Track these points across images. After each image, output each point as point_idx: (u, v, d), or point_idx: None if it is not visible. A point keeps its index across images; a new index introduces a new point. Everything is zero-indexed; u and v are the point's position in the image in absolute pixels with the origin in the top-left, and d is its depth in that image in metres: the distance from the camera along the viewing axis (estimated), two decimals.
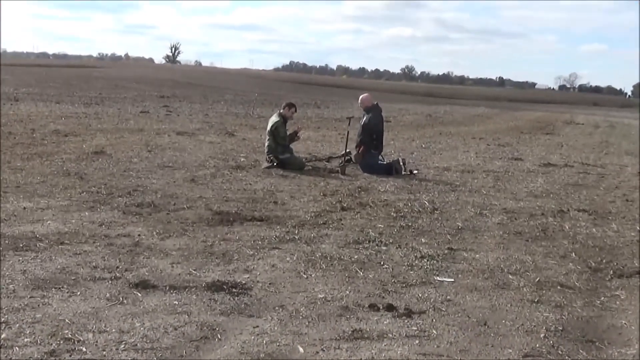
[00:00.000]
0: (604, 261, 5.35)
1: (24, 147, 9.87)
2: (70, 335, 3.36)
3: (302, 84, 70.24)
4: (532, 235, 6.23)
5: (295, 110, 10.18)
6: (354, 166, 10.23)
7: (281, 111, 9.98)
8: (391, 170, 9.76)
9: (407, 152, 13.01)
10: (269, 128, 9.89)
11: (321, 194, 7.81)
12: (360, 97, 10.44)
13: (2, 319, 3.51)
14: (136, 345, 3.30)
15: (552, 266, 5.18)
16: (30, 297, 3.85)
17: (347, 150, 10.36)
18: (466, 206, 7.52)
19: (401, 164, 10.02)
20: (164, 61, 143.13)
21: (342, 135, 15.52)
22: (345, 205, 7.15)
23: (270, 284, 4.36)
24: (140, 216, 6.08)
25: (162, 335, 3.43)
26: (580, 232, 6.46)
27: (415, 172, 9.99)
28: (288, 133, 10.06)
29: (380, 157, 10.24)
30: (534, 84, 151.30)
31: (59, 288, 4.04)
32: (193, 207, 6.59)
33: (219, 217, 6.17)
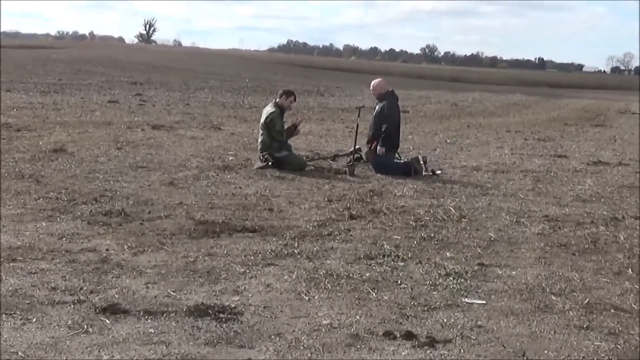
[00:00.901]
0: None
1: None
2: None
3: (302, 67, 69.95)
4: (579, 247, 6.24)
5: (295, 99, 10.17)
6: (365, 166, 10.23)
7: (277, 100, 9.97)
8: (409, 170, 9.78)
9: (428, 149, 12.91)
10: (262, 120, 9.89)
11: (325, 199, 7.82)
12: (373, 82, 10.47)
13: None
14: None
15: (604, 285, 5.19)
16: None
17: (357, 146, 10.38)
18: (500, 213, 7.54)
19: (421, 162, 10.03)
20: (136, 41, 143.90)
21: (350, 129, 15.46)
22: (354, 212, 7.15)
23: (264, 307, 4.37)
24: (109, 227, 6.10)
25: None
26: (638, 243, 6.46)
27: (438, 172, 10.02)
28: (286, 126, 10.04)
29: (396, 155, 10.29)
30: (581, 66, 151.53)
31: (11, 314, 4.04)
32: (172, 215, 6.63)
33: (203, 227, 6.20)
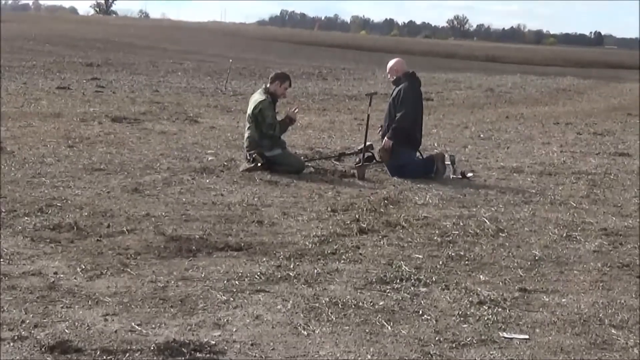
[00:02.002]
0: None
1: None
2: None
3: (299, 44, 69.76)
4: None
5: (290, 85, 10.23)
6: (378, 167, 10.31)
7: (268, 86, 10.03)
8: (431, 167, 9.93)
9: (457, 146, 12.98)
10: (250, 111, 9.94)
11: (329, 209, 7.85)
12: (389, 63, 10.52)
13: None
14: None
15: None
16: None
17: (368, 143, 10.41)
18: (546, 226, 7.58)
19: (448, 162, 10.13)
20: (92, 11, 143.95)
21: (359, 122, 15.55)
22: (364, 225, 7.18)
23: (252, 345, 4.37)
24: (58, 244, 6.09)
25: None
26: None
27: (469, 175, 10.12)
28: (279, 118, 10.12)
29: (417, 154, 10.33)
30: None
31: None
32: (137, 230, 6.67)
33: (176, 245, 6.24)
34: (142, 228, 6.72)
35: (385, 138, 10.05)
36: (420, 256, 6.29)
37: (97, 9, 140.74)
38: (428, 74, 32.27)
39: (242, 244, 6.35)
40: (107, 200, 7.71)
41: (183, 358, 4.11)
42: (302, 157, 10.57)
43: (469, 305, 5.17)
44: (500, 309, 5.12)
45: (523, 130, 15.94)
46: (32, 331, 4.37)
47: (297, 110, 10.69)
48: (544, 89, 31.02)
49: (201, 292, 5.16)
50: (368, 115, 10.63)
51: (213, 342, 4.33)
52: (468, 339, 4.58)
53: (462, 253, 6.41)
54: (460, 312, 5.04)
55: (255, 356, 4.22)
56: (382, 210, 7.90)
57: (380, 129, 10.52)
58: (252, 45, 58.63)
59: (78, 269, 5.51)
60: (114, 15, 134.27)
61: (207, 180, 8.93)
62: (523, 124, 17.37)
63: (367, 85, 26.79)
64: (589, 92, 30.86)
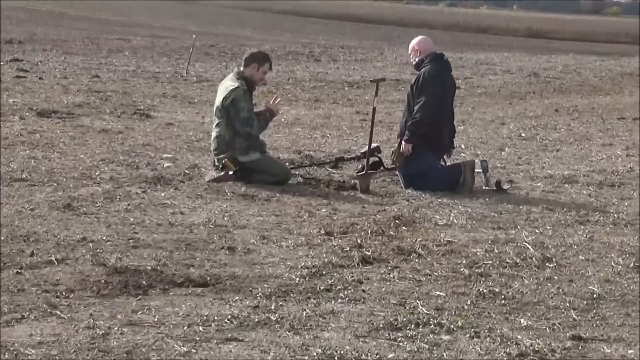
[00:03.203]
0: None
1: None
2: None
3: (284, 14, 69.52)
4: None
5: (270, 68, 10.34)
6: (388, 176, 10.43)
7: (243, 70, 10.13)
8: (458, 180, 9.97)
9: (491, 148, 13.11)
10: (219, 103, 10.02)
11: (322, 231, 7.90)
12: (412, 42, 10.61)
13: None
14: None
15: None
16: None
17: (374, 144, 10.49)
18: (608, 253, 7.58)
19: (479, 170, 10.19)
20: None
21: (363, 116, 15.76)
22: (369, 253, 7.21)
23: None
24: None
25: None
26: None
27: (506, 186, 10.17)
28: (256, 110, 10.19)
29: (442, 160, 10.45)
30: None
31: None
32: (70, 259, 6.63)
33: (121, 278, 6.23)
34: (76, 257, 6.66)
35: (403, 140, 10.10)
36: (442, 294, 6.28)
37: None
38: (453, 54, 31.62)
39: (208, 278, 6.34)
40: (31, 220, 7.66)
41: None
42: (287, 164, 10.59)
43: (505, 358, 5.14)
44: None
45: (577, 128, 16.01)
46: None
47: (280, 101, 10.70)
48: (605, 73, 31.07)
49: (154, 342, 5.11)
50: (374, 108, 10.62)
51: None
52: None
53: (497, 289, 6.39)
54: None
55: None
56: (392, 233, 7.89)
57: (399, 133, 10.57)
58: (222, 16, 58.28)
59: None
60: None
61: (163, 194, 8.93)
62: (577, 119, 17.43)
63: (373, 69, 26.69)
64: None
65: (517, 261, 7.12)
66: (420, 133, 10.00)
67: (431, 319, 5.70)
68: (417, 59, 10.35)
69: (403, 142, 10.09)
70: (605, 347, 5.41)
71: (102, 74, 21.27)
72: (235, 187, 9.41)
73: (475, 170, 10.15)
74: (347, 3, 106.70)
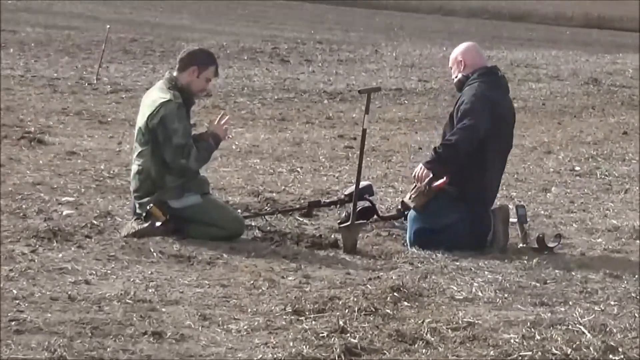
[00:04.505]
0: None
1: None
2: None
3: None
4: None
5: (216, 73, 10.10)
6: (386, 229, 10.25)
7: (176, 75, 9.88)
8: (486, 235, 9.77)
9: (531, 189, 12.82)
10: (142, 123, 9.75)
11: (288, 308, 7.61)
12: (456, 51, 10.42)
13: None
14: None
15: None
16: None
17: (365, 183, 10.45)
18: None
19: (514, 220, 9.99)
20: None
21: (349, 141, 15.63)
22: (355, 341, 6.90)
23: None
24: None
25: None
26: None
27: (553, 243, 9.85)
28: (194, 132, 9.98)
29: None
30: None
31: None
32: None
33: None
34: None
35: (422, 163, 9.82)
36: None
37: None
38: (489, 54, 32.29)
39: None
40: None
41: None
42: (239, 211, 10.30)
43: None
44: None
45: None
46: None
47: (230, 120, 10.44)
48: None
49: None
50: (364, 131, 10.19)
51: None
52: None
53: None
54: None
55: None
56: (388, 311, 7.59)
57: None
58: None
59: None
60: None
61: (61, 255, 8.55)
62: None
63: (363, 75, 26.07)
64: None
65: (569, 352, 6.84)
66: (449, 162, 9.80)
67: None
68: (460, 75, 10.15)
69: (420, 166, 9.86)
70: None
71: None
72: (164, 244, 9.14)
73: (510, 220, 9.90)
74: None
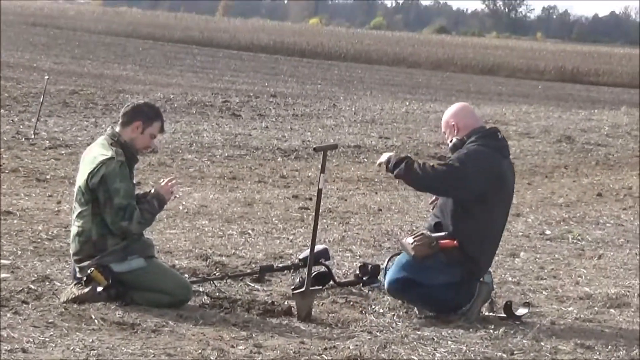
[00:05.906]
0: None
1: None
2: None
3: (188, 44, 70.13)
4: None
5: (162, 128, 10.38)
6: (343, 295, 10.74)
7: (119, 131, 10.20)
8: (459, 304, 10.29)
9: (498, 254, 12.32)
10: (82, 182, 9.99)
11: None
12: (447, 114, 10.80)
13: None
14: None
15: None
16: None
17: (321, 247, 10.85)
18: None
19: (481, 295, 10.31)
20: None
21: (304, 202, 16.37)
22: None
23: None
24: None
25: None
26: None
27: (522, 312, 10.26)
28: (138, 191, 10.22)
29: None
30: None
31: None
32: None
33: None
34: None
35: (390, 159, 10.33)
36: None
37: None
38: (443, 107, 31.60)
39: None
40: None
41: None
42: (186, 276, 10.49)
43: None
44: None
45: (631, 222, 16.06)
46: None
47: (175, 181, 10.57)
48: None
49: None
50: (320, 191, 10.45)
51: None
52: None
53: None
54: None
55: None
56: None
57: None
58: (92, 46, 58.24)
59: None
60: None
61: None
62: (632, 208, 17.49)
63: (320, 131, 26.84)
64: None
65: None
66: (412, 178, 10.36)
67: None
68: (454, 139, 10.44)
69: (384, 157, 10.47)
70: None
71: None
72: (106, 310, 9.36)
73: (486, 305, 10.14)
74: (284, 26, 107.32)
